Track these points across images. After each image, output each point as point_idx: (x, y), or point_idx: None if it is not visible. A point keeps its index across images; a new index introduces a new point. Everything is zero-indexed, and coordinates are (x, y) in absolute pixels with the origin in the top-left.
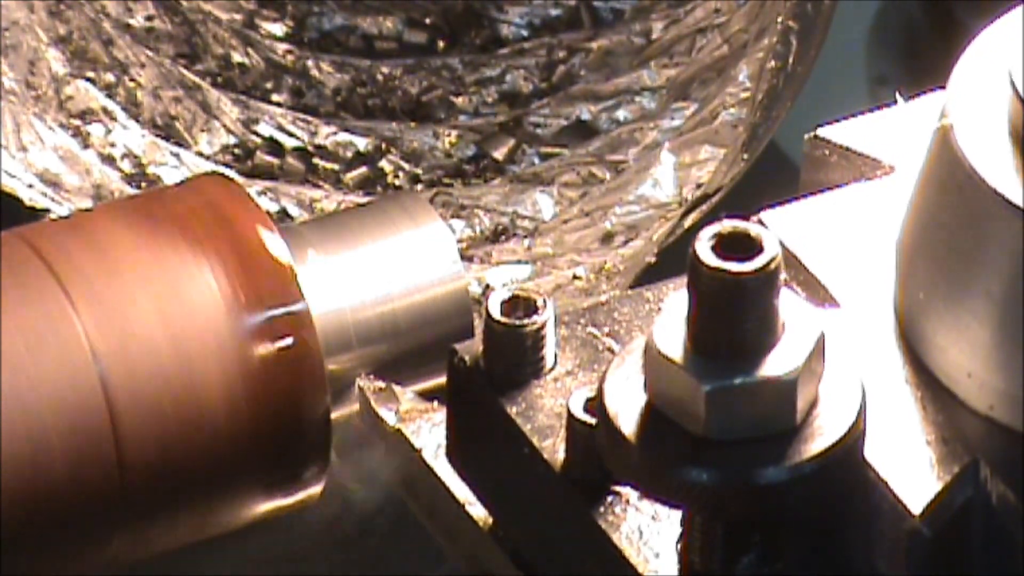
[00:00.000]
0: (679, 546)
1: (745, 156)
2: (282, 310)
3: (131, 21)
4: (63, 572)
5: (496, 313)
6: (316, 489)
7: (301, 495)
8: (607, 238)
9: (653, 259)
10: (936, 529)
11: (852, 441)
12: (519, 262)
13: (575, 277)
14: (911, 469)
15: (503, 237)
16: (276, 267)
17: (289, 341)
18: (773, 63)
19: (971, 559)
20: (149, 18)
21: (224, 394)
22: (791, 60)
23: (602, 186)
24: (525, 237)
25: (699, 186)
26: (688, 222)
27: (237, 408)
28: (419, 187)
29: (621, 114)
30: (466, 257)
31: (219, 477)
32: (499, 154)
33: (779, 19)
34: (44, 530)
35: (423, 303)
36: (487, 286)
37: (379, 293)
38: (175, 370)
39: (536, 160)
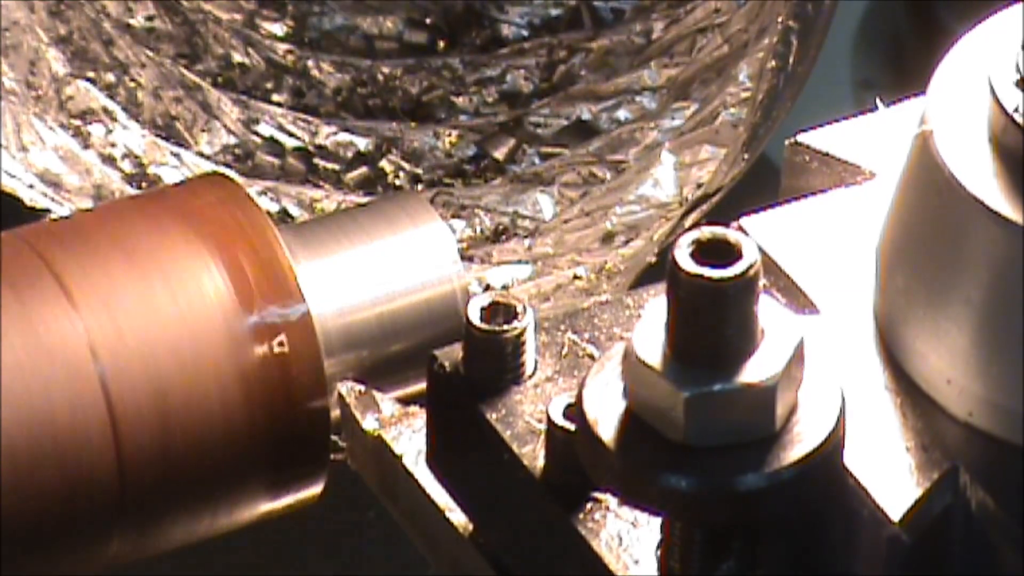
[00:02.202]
0: (659, 552)
1: (745, 156)
2: (281, 310)
3: (131, 21)
4: (63, 573)
5: (476, 319)
6: (316, 489)
7: (301, 495)
8: (608, 238)
9: (654, 259)
10: (915, 536)
11: (831, 448)
12: (519, 262)
13: (576, 277)
14: (890, 476)
15: (503, 237)
16: (276, 267)
17: (289, 341)
18: (773, 63)
19: (950, 566)
20: (149, 18)
21: (224, 394)
22: (791, 60)
23: (602, 186)
24: (526, 237)
25: (699, 186)
26: (689, 222)
27: (236, 408)
28: (419, 187)
29: (621, 114)
30: (466, 257)
31: (219, 477)
32: (499, 154)
33: (779, 19)
34: (44, 530)
35: (423, 303)
36: (487, 286)
37: (379, 293)
38: (175, 370)
39: (536, 160)
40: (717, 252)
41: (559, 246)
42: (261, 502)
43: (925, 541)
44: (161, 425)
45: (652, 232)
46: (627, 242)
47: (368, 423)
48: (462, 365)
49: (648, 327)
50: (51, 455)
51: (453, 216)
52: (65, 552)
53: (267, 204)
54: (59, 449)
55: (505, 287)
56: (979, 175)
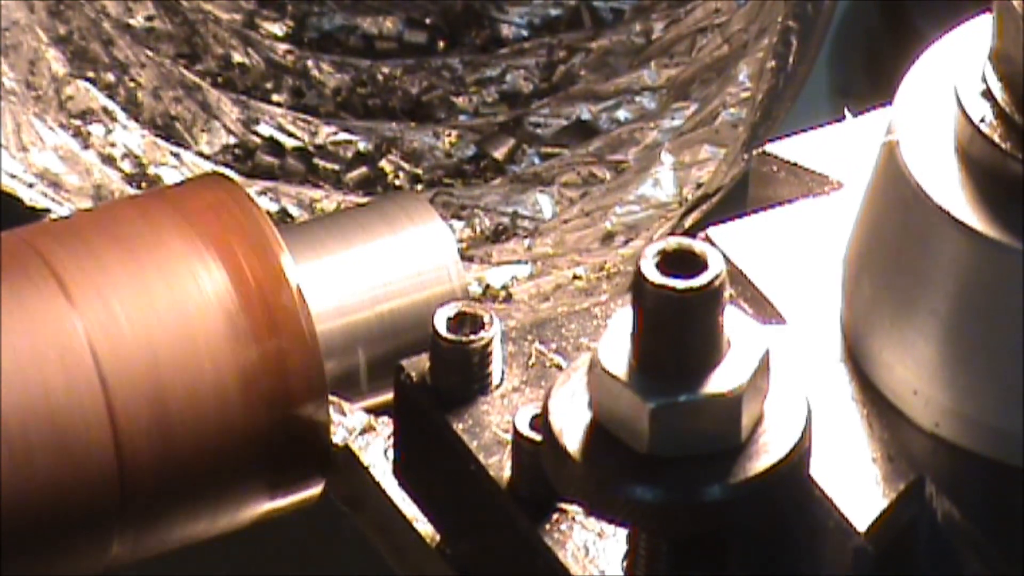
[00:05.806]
0: (625, 563)
1: (745, 156)
2: (281, 311)
3: (131, 21)
4: (64, 574)
5: (442, 329)
6: (316, 490)
7: (301, 495)
8: (607, 238)
9: None
10: (881, 547)
11: (797, 458)
12: (519, 262)
13: (575, 277)
14: (856, 486)
15: (503, 237)
16: (275, 267)
17: (288, 342)
18: (773, 63)
19: None
20: (149, 18)
21: (223, 395)
22: (791, 60)
23: (602, 186)
24: (525, 237)
25: (699, 186)
26: (688, 222)
27: (236, 409)
28: (419, 187)
29: (621, 114)
30: (466, 257)
31: (218, 476)
32: (499, 154)
33: (779, 19)
34: (44, 531)
35: (423, 303)
36: (487, 286)
37: (379, 293)
38: (174, 369)
39: (536, 160)
40: (683, 263)
41: (559, 246)
42: (261, 501)
43: (891, 552)
44: (160, 424)
45: (652, 232)
46: (627, 242)
47: (336, 434)
48: (429, 375)
49: (614, 338)
50: (50, 455)
51: (453, 216)
52: (65, 553)
53: (267, 204)
54: (58, 449)
55: (505, 287)
56: (945, 185)
